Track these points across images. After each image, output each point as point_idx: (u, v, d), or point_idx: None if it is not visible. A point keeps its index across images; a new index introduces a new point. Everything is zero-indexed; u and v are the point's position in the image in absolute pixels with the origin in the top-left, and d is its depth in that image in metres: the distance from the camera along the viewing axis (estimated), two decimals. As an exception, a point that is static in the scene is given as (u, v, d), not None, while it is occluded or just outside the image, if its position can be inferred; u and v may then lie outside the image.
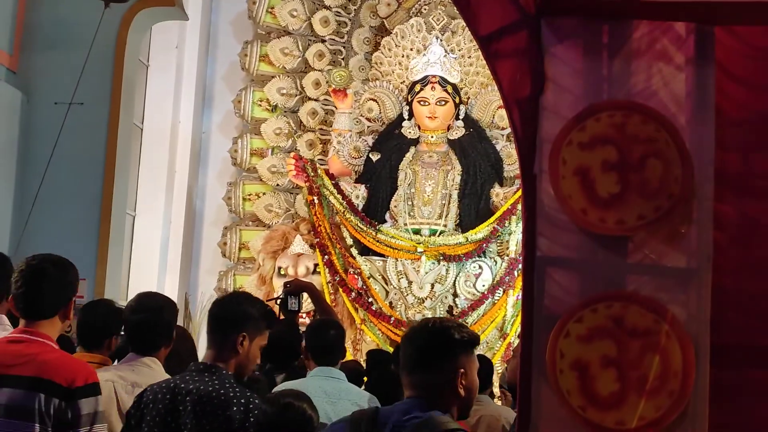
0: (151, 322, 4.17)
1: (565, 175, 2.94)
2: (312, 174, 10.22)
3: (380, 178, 10.41)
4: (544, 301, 2.95)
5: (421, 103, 10.33)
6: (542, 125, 2.99)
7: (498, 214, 9.97)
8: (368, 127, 10.75)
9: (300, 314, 6.71)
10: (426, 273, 9.88)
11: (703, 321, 2.91)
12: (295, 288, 6.17)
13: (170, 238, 11.07)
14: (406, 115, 10.49)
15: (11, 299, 3.58)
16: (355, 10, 11.19)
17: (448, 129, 10.42)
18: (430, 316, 9.81)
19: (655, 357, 2.86)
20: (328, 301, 9.58)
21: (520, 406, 2.95)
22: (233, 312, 3.72)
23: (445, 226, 10.10)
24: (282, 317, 5.92)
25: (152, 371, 4.13)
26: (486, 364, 5.76)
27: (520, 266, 9.45)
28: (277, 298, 6.16)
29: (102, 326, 4.53)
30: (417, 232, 10.07)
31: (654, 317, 2.88)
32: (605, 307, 2.90)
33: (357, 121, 10.71)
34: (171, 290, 10.78)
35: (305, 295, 6.36)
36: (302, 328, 5.53)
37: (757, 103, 3.05)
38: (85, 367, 3.54)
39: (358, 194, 10.36)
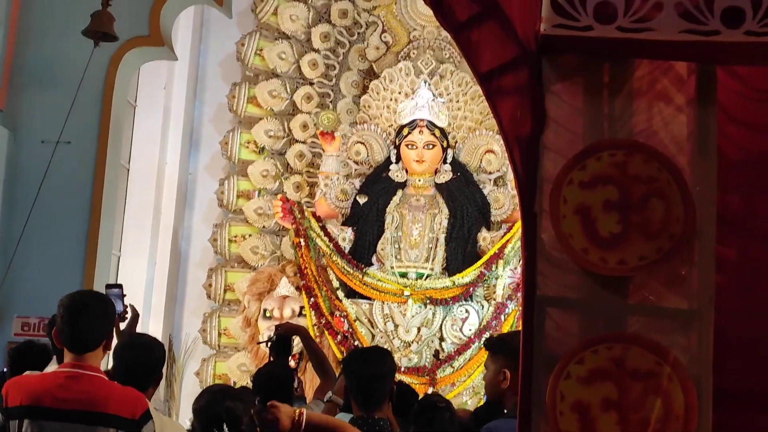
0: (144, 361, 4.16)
1: (566, 214, 2.91)
2: (299, 216, 10.18)
3: (367, 221, 10.36)
4: (544, 342, 2.91)
5: (409, 146, 10.31)
6: (543, 164, 2.97)
7: (485, 258, 9.92)
8: (355, 170, 10.72)
9: (295, 356, 6.64)
10: (412, 316, 9.81)
11: (705, 364, 2.87)
12: (285, 331, 6.10)
13: (155, 279, 10.98)
14: (393, 159, 10.46)
15: (55, 332, 3.76)
16: (343, 53, 11.20)
17: (436, 173, 10.39)
18: (416, 359, 9.77)
19: (657, 400, 2.82)
20: (315, 344, 9.51)
21: (519, 448, 2.90)
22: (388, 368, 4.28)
23: (431, 269, 10.04)
24: (272, 359, 5.86)
25: None
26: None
27: (509, 309, 9.51)
28: (268, 340, 6.08)
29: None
30: (404, 275, 10.01)
31: (656, 359, 2.84)
32: (606, 348, 2.86)
33: (344, 164, 10.68)
34: (155, 331, 10.65)
35: (296, 338, 6.29)
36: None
37: (758, 145, 3.04)
38: (140, 398, 3.76)
39: (345, 237, 10.32)
